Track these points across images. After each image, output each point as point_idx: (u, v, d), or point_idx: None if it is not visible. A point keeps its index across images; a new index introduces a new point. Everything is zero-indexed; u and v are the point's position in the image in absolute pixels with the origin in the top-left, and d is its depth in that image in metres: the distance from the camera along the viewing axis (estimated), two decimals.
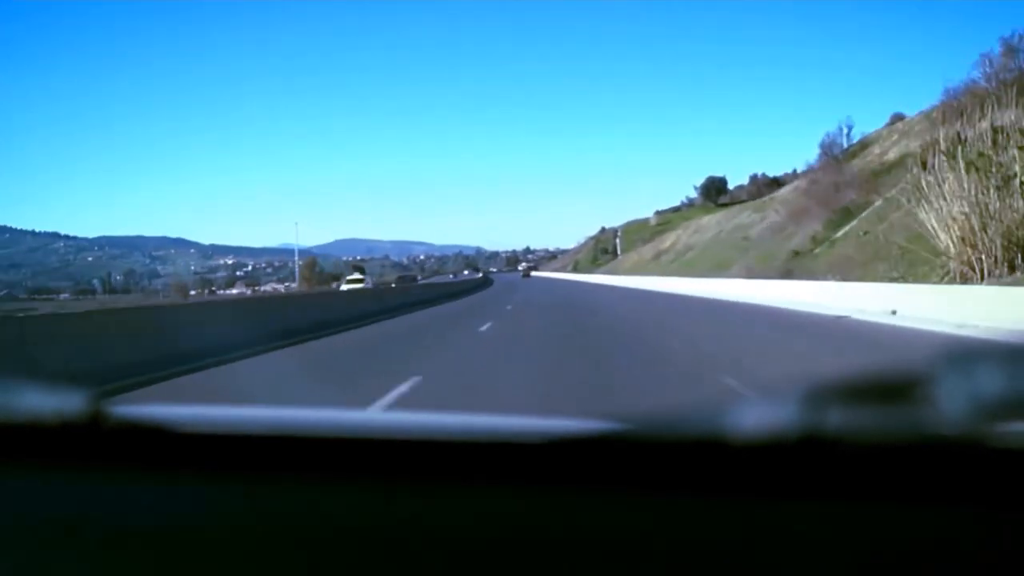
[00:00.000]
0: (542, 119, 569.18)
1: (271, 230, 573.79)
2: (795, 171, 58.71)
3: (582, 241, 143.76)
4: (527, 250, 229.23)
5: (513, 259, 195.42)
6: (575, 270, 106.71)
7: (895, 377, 0.56)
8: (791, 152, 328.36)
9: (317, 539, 0.63)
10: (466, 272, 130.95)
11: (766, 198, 53.68)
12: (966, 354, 0.53)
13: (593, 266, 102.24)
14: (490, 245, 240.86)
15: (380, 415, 0.79)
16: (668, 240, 72.17)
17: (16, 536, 0.68)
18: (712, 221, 61.96)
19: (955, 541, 0.55)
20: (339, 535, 0.63)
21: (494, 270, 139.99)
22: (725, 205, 78.98)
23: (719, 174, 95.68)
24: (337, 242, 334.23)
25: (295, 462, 0.69)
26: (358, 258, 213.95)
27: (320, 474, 0.68)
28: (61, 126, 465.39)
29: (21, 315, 10.04)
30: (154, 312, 12.36)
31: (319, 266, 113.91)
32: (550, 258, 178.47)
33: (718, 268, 39.38)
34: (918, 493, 0.57)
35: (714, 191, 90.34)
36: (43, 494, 0.72)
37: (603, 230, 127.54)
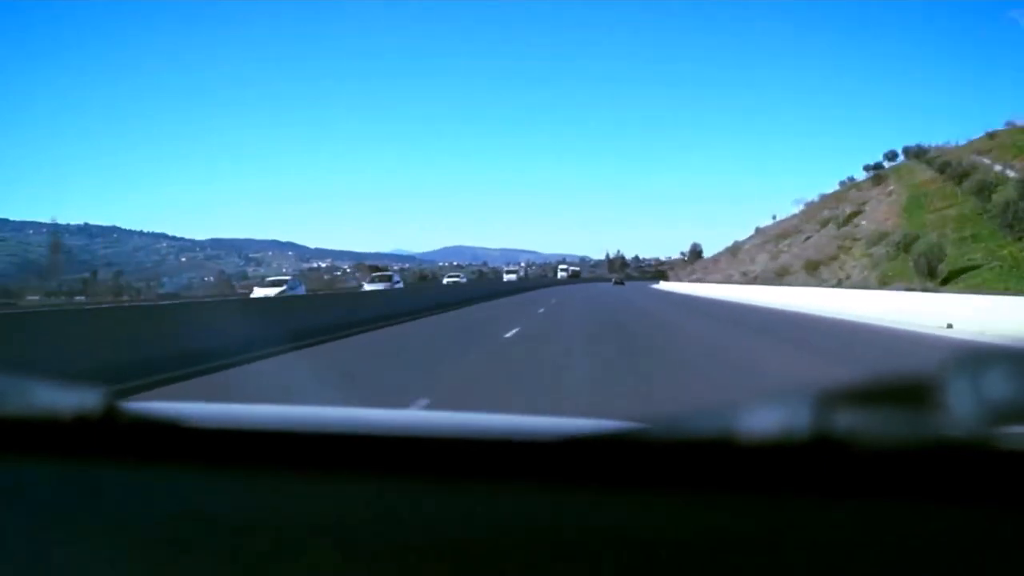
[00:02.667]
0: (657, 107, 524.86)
1: (384, 236, 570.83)
2: None
3: (776, 219, 73.17)
4: (636, 258, 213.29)
5: (619, 265, 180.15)
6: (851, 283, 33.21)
7: (904, 381, 0.56)
8: None
9: (327, 534, 0.63)
10: (562, 275, 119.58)
11: None
12: (975, 358, 0.54)
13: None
14: (597, 253, 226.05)
15: (393, 413, 0.79)
16: None
17: (33, 527, 0.69)
18: None
19: (962, 541, 0.55)
20: (350, 530, 0.63)
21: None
22: None
23: None
24: (444, 249, 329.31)
25: (305, 458, 0.70)
26: (455, 264, 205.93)
27: (331, 471, 0.69)
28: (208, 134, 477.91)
29: None
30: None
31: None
32: (685, 263, 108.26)
33: None
34: (926, 494, 0.57)
35: None
36: (60, 487, 0.74)
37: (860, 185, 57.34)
